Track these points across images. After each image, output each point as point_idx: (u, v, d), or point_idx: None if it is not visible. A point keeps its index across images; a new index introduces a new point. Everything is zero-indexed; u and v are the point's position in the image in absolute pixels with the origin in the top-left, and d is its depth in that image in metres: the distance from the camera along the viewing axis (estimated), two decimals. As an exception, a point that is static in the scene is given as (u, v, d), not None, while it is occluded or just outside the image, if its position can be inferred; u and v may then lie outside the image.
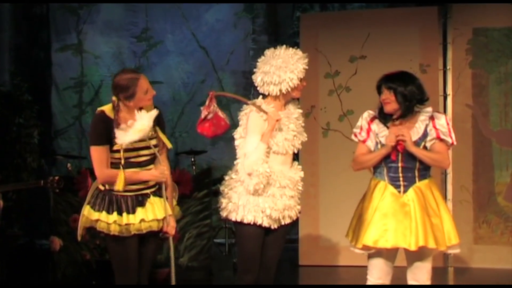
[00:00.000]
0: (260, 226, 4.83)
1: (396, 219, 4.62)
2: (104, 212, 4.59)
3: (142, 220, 4.58)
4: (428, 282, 4.73)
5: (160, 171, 4.60)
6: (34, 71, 10.36)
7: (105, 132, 4.58)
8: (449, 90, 8.36)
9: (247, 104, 4.97)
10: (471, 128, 8.30)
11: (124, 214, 4.58)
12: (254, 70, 5.00)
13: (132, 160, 4.61)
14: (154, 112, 4.56)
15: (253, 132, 4.83)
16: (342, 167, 8.19)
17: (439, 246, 4.64)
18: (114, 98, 4.61)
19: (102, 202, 4.61)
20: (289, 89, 4.86)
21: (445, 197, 8.28)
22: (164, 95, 10.25)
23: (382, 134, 4.78)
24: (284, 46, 4.99)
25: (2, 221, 7.19)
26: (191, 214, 7.53)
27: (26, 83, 9.37)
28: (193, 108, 10.32)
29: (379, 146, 4.80)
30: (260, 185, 4.78)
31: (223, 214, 4.95)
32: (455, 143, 4.81)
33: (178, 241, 7.37)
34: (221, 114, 4.97)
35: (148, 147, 4.63)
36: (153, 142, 4.66)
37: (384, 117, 4.82)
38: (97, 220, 4.61)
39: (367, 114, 4.89)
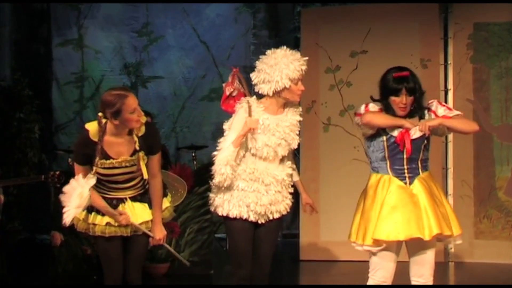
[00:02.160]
0: (246, 220, 4.82)
1: (407, 210, 4.54)
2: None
3: (108, 224, 4.60)
4: (431, 278, 4.68)
5: (116, 219, 4.58)
6: (34, 66, 10.36)
7: (85, 156, 4.59)
8: (450, 85, 8.35)
9: (244, 97, 4.93)
10: (472, 123, 8.29)
11: (93, 213, 4.61)
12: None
13: (111, 178, 4.62)
14: (91, 181, 4.46)
15: (233, 129, 4.81)
16: (343, 162, 8.19)
17: (453, 232, 4.59)
18: (100, 114, 4.56)
19: None
20: (279, 89, 4.76)
21: (446, 192, 8.29)
22: (165, 90, 10.25)
23: (390, 129, 4.68)
24: (285, 47, 4.91)
25: (3, 216, 7.20)
26: (192, 209, 7.53)
27: (27, 78, 9.36)
28: (194, 103, 10.32)
29: (384, 141, 4.71)
30: (223, 184, 4.77)
31: (212, 208, 4.96)
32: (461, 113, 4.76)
33: (179, 236, 7.38)
34: (243, 91, 4.92)
35: (125, 166, 4.61)
36: (132, 169, 4.62)
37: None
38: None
39: (377, 106, 4.73)
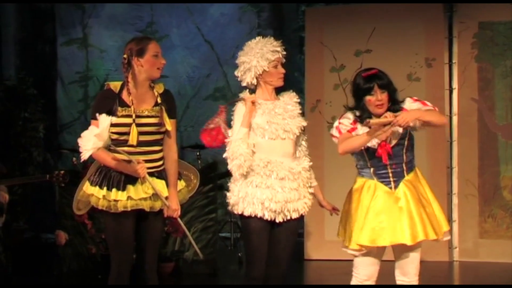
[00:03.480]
0: (261, 218, 4.79)
1: (391, 216, 4.54)
2: (97, 187, 4.60)
3: (129, 198, 4.56)
4: (416, 277, 4.67)
5: (133, 169, 4.52)
6: (39, 65, 10.38)
7: (104, 109, 4.56)
8: (455, 84, 8.35)
9: (221, 132, 4.95)
10: (476, 122, 8.29)
11: (114, 190, 4.56)
12: None
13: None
14: (108, 120, 4.45)
15: (236, 121, 4.85)
16: (347, 161, 8.12)
17: (438, 235, 4.58)
18: (124, 55, 4.66)
19: (98, 178, 4.61)
20: (258, 73, 4.83)
21: (450, 191, 8.29)
22: (169, 89, 10.24)
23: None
24: (266, 38, 5.02)
25: (7, 215, 7.21)
26: (197, 208, 7.53)
27: (32, 77, 9.38)
28: (198, 102, 10.33)
29: (363, 151, 4.67)
30: (243, 168, 4.76)
31: (229, 208, 4.95)
32: (436, 108, 4.67)
33: (183, 235, 7.37)
34: (223, 128, 4.92)
35: (147, 116, 4.59)
36: (154, 120, 4.62)
37: (363, 120, 4.65)
38: (91, 195, 4.61)
39: (351, 115, 4.72)
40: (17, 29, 10.51)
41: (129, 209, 4.55)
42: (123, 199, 4.55)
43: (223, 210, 5.25)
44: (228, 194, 4.92)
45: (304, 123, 4.93)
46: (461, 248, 8.21)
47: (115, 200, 4.55)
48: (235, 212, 4.87)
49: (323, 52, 8.50)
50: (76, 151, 9.39)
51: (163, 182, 4.67)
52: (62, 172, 6.74)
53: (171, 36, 10.39)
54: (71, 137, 10.43)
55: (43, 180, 6.83)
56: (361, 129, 4.67)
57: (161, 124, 4.63)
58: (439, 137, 8.27)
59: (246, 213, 4.80)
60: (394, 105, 4.65)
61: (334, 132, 4.78)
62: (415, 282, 4.67)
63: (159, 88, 4.71)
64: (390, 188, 4.62)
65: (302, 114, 4.96)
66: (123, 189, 4.57)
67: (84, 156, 4.46)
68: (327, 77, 8.51)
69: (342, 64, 8.49)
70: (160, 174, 4.68)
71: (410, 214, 4.54)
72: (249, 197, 4.79)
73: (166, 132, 4.68)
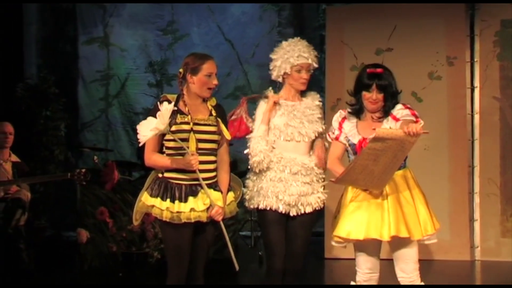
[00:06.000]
0: (276, 211, 4.86)
1: (369, 211, 4.61)
2: (158, 199, 4.66)
3: (192, 209, 4.63)
4: (415, 272, 4.68)
5: (187, 161, 4.60)
6: (61, 64, 10.44)
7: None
8: (477, 83, 8.30)
9: (245, 122, 5.05)
10: (498, 120, 8.24)
11: (177, 202, 4.63)
12: None
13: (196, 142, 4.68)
14: (170, 106, 4.52)
15: (258, 118, 4.97)
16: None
17: (412, 235, 4.57)
18: (180, 70, 4.75)
19: (158, 189, 4.67)
20: (281, 74, 4.96)
21: (472, 190, 8.24)
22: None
23: (350, 133, 4.73)
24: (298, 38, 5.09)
25: (29, 213, 7.26)
26: (217, 207, 7.53)
27: (53, 76, 9.44)
28: (218, 101, 10.27)
29: (347, 147, 4.74)
30: (263, 164, 4.85)
31: (246, 204, 5.05)
32: (420, 121, 4.56)
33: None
34: (245, 119, 5.02)
35: (203, 124, 4.68)
36: (211, 128, 4.70)
37: (358, 114, 4.74)
38: (152, 206, 4.67)
39: (338, 114, 4.82)
40: (39, 28, 10.58)
41: (192, 220, 4.64)
42: (186, 210, 4.62)
43: (243, 208, 5.27)
44: (244, 190, 5.02)
45: (320, 129, 5.00)
46: (482, 247, 8.18)
47: (178, 212, 4.62)
48: (252, 206, 4.99)
49: (343, 50, 8.48)
50: (97, 149, 9.48)
51: (219, 193, 4.73)
52: (83, 170, 6.77)
53: (192, 35, 10.41)
54: (92, 136, 10.48)
55: (64, 178, 6.87)
56: (347, 127, 4.74)
57: (217, 133, 4.72)
58: (460, 136, 8.23)
59: (262, 206, 4.90)
60: (386, 107, 4.65)
61: (327, 137, 4.88)
62: (414, 277, 4.69)
63: (212, 102, 4.85)
64: None
65: (323, 117, 5.05)
66: (185, 201, 4.64)
67: (143, 139, 4.48)
68: (347, 76, 8.48)
69: (362, 62, 8.44)
70: (217, 186, 4.74)
71: (387, 210, 4.59)
72: (263, 190, 4.90)
73: (224, 142, 4.77)
